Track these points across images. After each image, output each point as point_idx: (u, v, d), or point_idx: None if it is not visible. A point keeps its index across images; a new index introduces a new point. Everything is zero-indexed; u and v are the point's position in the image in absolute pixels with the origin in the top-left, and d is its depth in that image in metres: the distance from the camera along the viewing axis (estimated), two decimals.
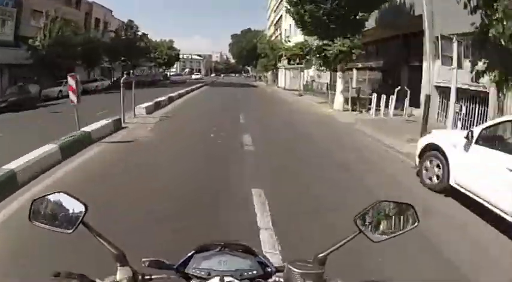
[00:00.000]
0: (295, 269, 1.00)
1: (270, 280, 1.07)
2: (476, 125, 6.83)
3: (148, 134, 9.99)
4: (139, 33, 41.93)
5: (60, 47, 24.54)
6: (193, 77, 60.73)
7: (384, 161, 7.51)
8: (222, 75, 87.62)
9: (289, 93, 27.52)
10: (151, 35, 56.19)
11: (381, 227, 1.09)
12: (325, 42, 14.54)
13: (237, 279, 0.99)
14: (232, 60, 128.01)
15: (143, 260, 1.07)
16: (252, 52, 57.30)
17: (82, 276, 0.97)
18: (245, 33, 62.54)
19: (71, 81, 8.61)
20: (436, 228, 3.89)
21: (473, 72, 7.59)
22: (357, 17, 14.33)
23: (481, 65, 7.33)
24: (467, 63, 8.10)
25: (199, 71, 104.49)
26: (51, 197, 1.10)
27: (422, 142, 5.92)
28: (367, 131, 10.71)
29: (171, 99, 19.66)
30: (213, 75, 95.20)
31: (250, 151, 7.95)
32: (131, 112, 12.71)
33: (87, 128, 8.65)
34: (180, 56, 69.63)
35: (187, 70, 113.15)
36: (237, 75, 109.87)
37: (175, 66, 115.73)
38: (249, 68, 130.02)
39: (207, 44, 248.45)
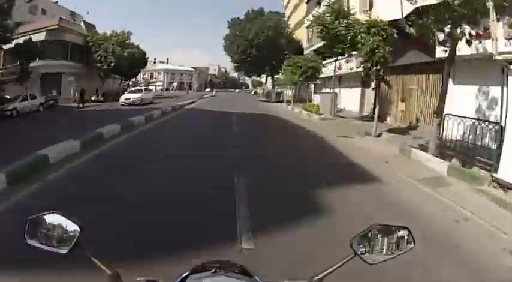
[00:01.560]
0: None
1: None
2: None
3: None
4: None
5: None
6: (124, 99, 27.24)
7: None
8: (215, 91, 60.84)
9: None
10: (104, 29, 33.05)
11: (377, 249, 1.08)
12: None
13: None
14: (233, 74, 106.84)
15: (138, 279, 1.03)
16: (270, 45, 33.21)
17: None
18: (253, 17, 36.27)
19: None
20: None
21: None
22: None
23: None
24: None
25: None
26: (46, 217, 1.10)
27: None
28: None
29: None
30: (207, 90, 71.08)
31: None
32: None
33: None
34: (153, 62, 45.34)
35: (175, 84, 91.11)
36: (237, 90, 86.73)
37: (160, 78, 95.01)
38: (249, 82, 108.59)
39: (206, 58, 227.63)
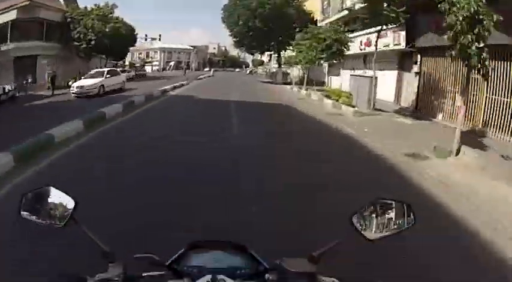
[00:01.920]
0: (288, 268, 0.99)
1: (262, 278, 1.02)
2: None
3: None
4: None
5: None
6: (75, 88, 19.26)
7: None
8: (212, 70, 55.73)
9: None
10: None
11: (377, 225, 1.06)
12: None
13: (229, 277, 0.95)
14: (233, 52, 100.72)
15: (135, 256, 1.02)
16: (277, 16, 27.66)
17: (72, 274, 0.98)
18: None
19: None
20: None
21: None
22: None
23: None
24: None
25: (187, 65, 77.17)
26: (41, 191, 1.12)
27: None
28: None
29: None
30: (206, 69, 66.54)
31: None
32: None
33: None
34: (144, 39, 40.68)
35: (172, 64, 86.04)
36: (237, 70, 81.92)
37: (156, 57, 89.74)
38: (249, 61, 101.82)
39: (206, 37, 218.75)
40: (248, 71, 66.71)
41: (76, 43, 26.85)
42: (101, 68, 37.54)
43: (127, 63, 74.53)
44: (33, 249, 3.02)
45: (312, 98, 17.54)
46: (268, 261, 1.02)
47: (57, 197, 1.08)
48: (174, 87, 22.25)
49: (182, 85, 24.58)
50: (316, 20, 26.14)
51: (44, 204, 1.09)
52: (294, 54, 30.72)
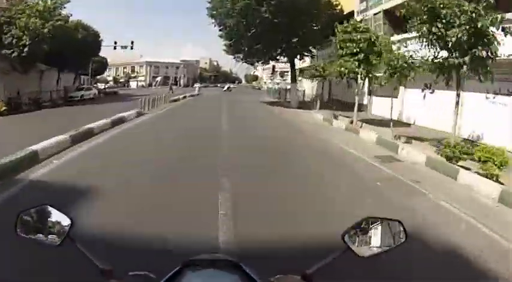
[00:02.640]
0: None
1: None
2: None
3: None
4: None
5: None
6: None
7: None
8: (198, 87, 47.19)
9: None
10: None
11: (369, 242, 1.06)
12: None
13: None
14: (226, 67, 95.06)
15: (130, 273, 1.02)
16: (293, 6, 17.61)
17: None
18: None
19: None
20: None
21: None
22: None
23: None
24: None
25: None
26: (37, 210, 1.09)
27: None
28: None
29: None
30: (196, 85, 58.39)
31: None
32: None
33: None
34: (113, 47, 32.70)
35: (158, 79, 78.76)
36: (230, 86, 74.96)
37: (142, 72, 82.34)
38: (242, 77, 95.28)
39: (198, 52, 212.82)
40: (226, 87, 57.61)
41: (6, 51, 18.59)
42: (57, 84, 29.14)
43: (110, 78, 67.57)
44: None
45: (414, 160, 7.71)
46: (262, 278, 0.98)
47: (53, 215, 1.07)
48: (83, 137, 9.11)
49: (123, 120, 13.02)
50: (352, 12, 18.32)
51: (40, 223, 1.07)
52: (307, 62, 22.99)
